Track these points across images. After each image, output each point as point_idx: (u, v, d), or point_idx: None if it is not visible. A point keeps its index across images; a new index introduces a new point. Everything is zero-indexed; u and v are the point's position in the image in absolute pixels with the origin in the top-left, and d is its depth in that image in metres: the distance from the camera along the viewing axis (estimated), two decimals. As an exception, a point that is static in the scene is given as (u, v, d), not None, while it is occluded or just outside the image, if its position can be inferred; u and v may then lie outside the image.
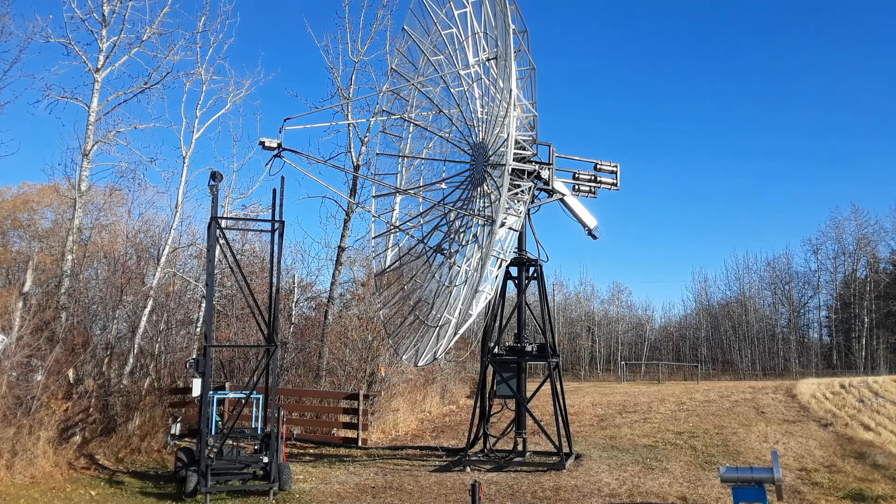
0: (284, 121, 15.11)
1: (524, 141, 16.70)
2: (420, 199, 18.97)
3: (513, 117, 14.51)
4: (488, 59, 16.46)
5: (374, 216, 20.26)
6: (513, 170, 16.42)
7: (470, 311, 15.04)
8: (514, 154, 16.43)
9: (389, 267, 19.60)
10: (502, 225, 15.63)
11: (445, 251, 17.88)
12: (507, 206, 16.08)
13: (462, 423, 23.20)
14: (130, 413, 17.90)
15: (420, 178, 19.40)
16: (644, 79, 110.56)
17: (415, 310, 18.35)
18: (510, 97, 14.54)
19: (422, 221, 18.96)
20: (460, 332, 15.26)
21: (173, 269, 23.57)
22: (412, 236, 19.15)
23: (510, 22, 14.38)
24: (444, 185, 18.53)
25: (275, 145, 14.91)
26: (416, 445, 19.48)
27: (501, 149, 15.70)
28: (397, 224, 19.39)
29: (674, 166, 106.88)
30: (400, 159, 19.68)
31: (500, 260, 16.02)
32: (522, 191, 16.62)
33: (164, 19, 21.45)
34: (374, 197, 20.40)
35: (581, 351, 65.20)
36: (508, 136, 14.56)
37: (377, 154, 20.26)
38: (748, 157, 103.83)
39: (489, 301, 17.45)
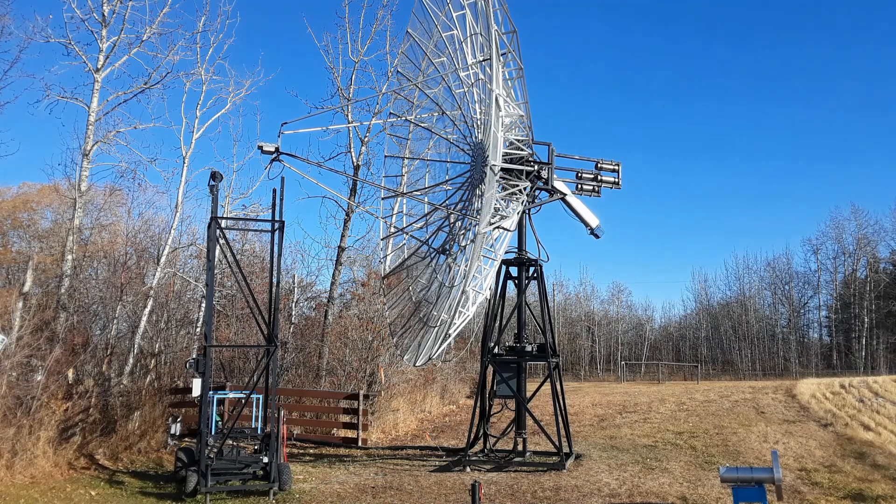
0: (282, 125, 15.16)
1: (520, 141, 16.71)
2: (424, 202, 19.01)
3: (494, 117, 14.52)
4: (483, 60, 16.48)
5: (381, 219, 20.31)
6: (509, 170, 16.47)
7: (463, 311, 15.03)
8: (510, 154, 16.48)
9: (394, 269, 19.62)
10: (491, 225, 15.62)
11: (447, 252, 17.89)
12: (497, 207, 16.10)
13: (462, 423, 23.20)
14: (130, 413, 17.90)
15: (426, 176, 19.44)
16: (645, 79, 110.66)
17: (418, 310, 18.36)
18: (492, 97, 14.56)
19: (427, 222, 19.00)
20: (453, 333, 15.25)
21: (173, 269, 23.57)
22: (416, 238, 19.17)
23: (493, 22, 14.42)
24: (447, 187, 18.55)
25: (273, 149, 14.94)
26: (416, 445, 19.48)
27: (499, 149, 15.71)
28: (404, 227, 19.44)
29: (674, 166, 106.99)
30: (403, 161, 19.73)
31: (492, 260, 16.03)
32: (520, 191, 16.63)
33: (164, 19, 21.42)
34: (381, 199, 20.47)
35: (581, 351, 65.20)
36: (492, 135, 14.54)
37: (385, 157, 20.31)
38: (748, 156, 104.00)
39: (489, 301, 17.47)
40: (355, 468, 16.32)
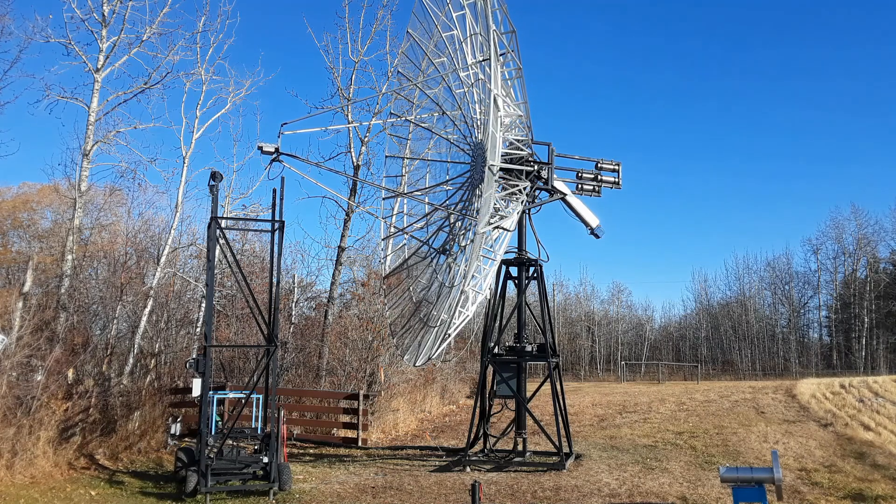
0: (282, 125, 15.15)
1: (519, 141, 16.70)
2: (425, 202, 19.03)
3: (493, 117, 14.51)
4: (482, 61, 16.48)
5: (382, 220, 20.32)
6: (509, 170, 16.48)
7: (462, 311, 15.03)
8: (510, 154, 16.49)
9: (394, 269, 19.62)
10: (490, 225, 15.62)
11: (448, 252, 17.90)
12: (497, 207, 16.12)
13: (462, 423, 23.20)
14: (130, 413, 17.90)
15: (426, 176, 19.45)
16: (645, 78, 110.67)
17: (418, 310, 18.37)
18: (490, 98, 14.59)
19: (427, 222, 19.01)
20: (453, 333, 15.25)
21: (173, 268, 23.57)
22: (416, 238, 19.17)
23: (491, 23, 14.45)
24: (448, 187, 18.55)
25: (272, 150, 14.93)
26: (416, 445, 19.48)
27: (498, 149, 15.72)
28: (405, 227, 19.45)
29: (674, 166, 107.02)
30: (403, 161, 19.74)
31: (492, 260, 16.03)
32: (519, 190, 16.63)
33: (164, 19, 21.43)
34: (382, 199, 20.48)
35: (581, 351, 65.21)
36: (490, 136, 14.53)
37: (386, 157, 20.31)
38: (748, 156, 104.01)
39: (489, 301, 17.46)
40: (355, 468, 16.32)
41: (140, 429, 17.83)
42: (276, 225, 14.56)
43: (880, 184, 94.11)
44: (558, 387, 16.89)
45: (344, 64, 26.49)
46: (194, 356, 15.81)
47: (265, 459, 13.34)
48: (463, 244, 17.50)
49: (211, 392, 13.96)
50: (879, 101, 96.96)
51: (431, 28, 17.91)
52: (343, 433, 20.01)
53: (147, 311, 20.65)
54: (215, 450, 13.31)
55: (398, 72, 19.90)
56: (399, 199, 19.84)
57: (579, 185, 17.71)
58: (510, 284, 18.06)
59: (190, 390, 14.60)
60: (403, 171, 19.74)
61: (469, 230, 17.23)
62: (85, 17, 20.46)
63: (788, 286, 65.43)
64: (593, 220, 18.12)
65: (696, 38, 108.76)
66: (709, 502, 12.70)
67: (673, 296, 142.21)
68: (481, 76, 16.79)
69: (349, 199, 25.89)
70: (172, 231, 22.42)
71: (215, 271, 15.36)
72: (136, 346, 20.17)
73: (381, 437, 21.23)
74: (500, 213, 16.32)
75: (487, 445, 17.58)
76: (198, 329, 23.08)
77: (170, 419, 17.93)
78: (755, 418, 22.13)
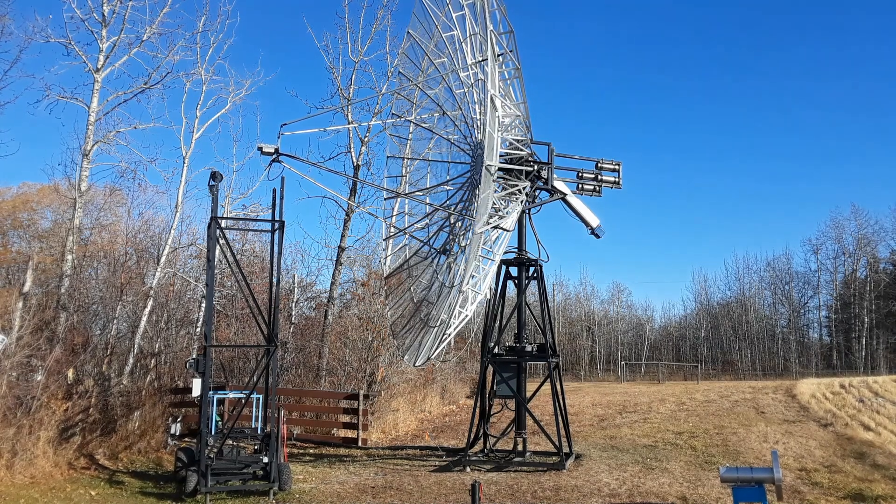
0: (282, 126, 15.12)
1: (519, 141, 16.70)
2: (426, 202, 19.04)
3: (490, 117, 14.51)
4: (481, 61, 16.47)
5: (383, 220, 20.32)
6: (509, 170, 16.48)
7: (462, 311, 15.02)
8: (509, 154, 16.49)
9: (395, 270, 19.62)
10: (488, 225, 15.61)
11: (448, 252, 17.90)
12: (497, 207, 16.11)
13: (462, 423, 23.20)
14: (130, 413, 17.90)
15: (427, 176, 19.44)
16: (645, 78, 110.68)
17: (419, 310, 18.37)
18: (487, 97, 14.60)
19: (428, 222, 19.02)
20: (452, 333, 15.25)
21: (173, 268, 23.57)
22: (417, 238, 19.17)
23: (489, 23, 14.47)
24: (448, 187, 18.55)
25: (272, 150, 14.91)
26: (416, 445, 19.48)
27: (496, 150, 15.72)
28: (406, 227, 19.45)
29: (674, 166, 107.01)
30: (403, 161, 19.74)
31: (491, 261, 16.03)
32: (519, 190, 16.62)
33: (164, 19, 21.41)
34: (384, 199, 20.49)
35: (581, 351, 65.22)
36: (488, 136, 14.52)
37: (388, 157, 20.30)
38: (748, 156, 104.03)
39: (489, 301, 17.47)
40: (355, 468, 16.32)
41: (140, 429, 17.83)
42: (276, 225, 14.55)
43: (880, 184, 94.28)
44: (558, 387, 16.89)
45: (344, 64, 26.52)
46: (194, 356, 15.81)
47: (265, 459, 13.34)
48: (463, 244, 17.50)
49: (211, 392, 13.95)
50: (879, 101, 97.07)
51: (431, 28, 17.91)
52: (343, 433, 20.01)
53: (147, 310, 20.65)
54: (215, 450, 13.31)
55: (399, 72, 19.91)
56: (400, 199, 19.83)
57: (580, 185, 17.70)
58: (510, 284, 18.08)
59: (190, 390, 14.59)
60: (404, 171, 19.73)
61: (469, 230, 17.23)
62: (85, 18, 20.47)
63: (788, 286, 65.57)
64: (594, 220, 18.11)
65: (696, 39, 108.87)
66: (709, 502, 12.70)
67: (673, 296, 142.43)
68: (481, 76, 16.78)
69: (349, 200, 25.89)
70: (172, 231, 22.42)
71: (215, 271, 15.35)
72: (136, 345, 20.16)
73: (381, 437, 21.23)
74: (499, 213, 16.32)
75: (487, 445, 17.58)
76: (198, 329, 23.08)
77: (170, 419, 17.94)
78: (755, 418, 22.13)
